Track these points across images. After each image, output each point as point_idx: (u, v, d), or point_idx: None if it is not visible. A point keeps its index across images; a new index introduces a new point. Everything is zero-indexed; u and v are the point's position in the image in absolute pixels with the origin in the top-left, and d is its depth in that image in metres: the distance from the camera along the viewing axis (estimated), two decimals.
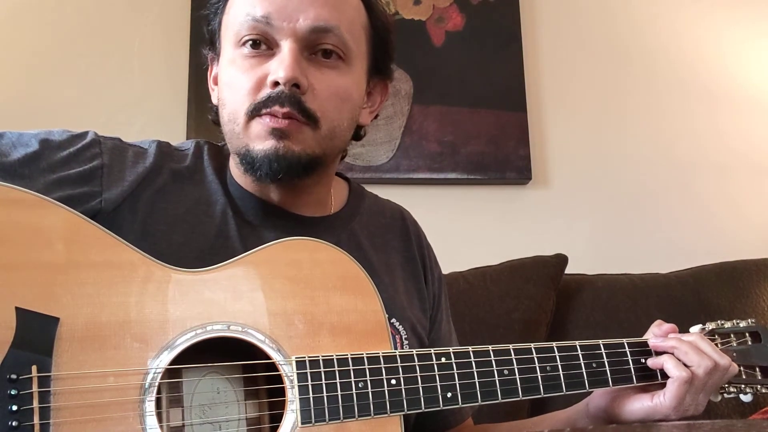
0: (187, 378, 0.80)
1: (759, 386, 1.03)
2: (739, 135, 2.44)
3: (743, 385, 1.02)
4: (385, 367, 0.82)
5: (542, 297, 1.82)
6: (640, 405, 0.97)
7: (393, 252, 1.11)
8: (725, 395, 1.02)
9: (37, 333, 0.70)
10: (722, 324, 1.08)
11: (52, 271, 0.73)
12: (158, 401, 0.75)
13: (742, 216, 2.39)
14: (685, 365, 0.96)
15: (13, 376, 0.68)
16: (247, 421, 0.82)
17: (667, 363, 0.96)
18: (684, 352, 0.97)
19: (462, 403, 0.85)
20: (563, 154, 2.36)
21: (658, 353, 0.99)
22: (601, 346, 0.97)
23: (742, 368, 1.03)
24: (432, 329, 1.14)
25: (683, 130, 2.43)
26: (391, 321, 1.02)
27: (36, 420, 0.67)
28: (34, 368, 0.69)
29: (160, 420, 0.74)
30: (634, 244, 2.31)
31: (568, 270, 1.89)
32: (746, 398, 1.02)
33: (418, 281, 1.13)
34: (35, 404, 0.68)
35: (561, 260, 1.88)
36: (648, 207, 2.36)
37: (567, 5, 2.46)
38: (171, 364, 0.76)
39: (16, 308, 0.70)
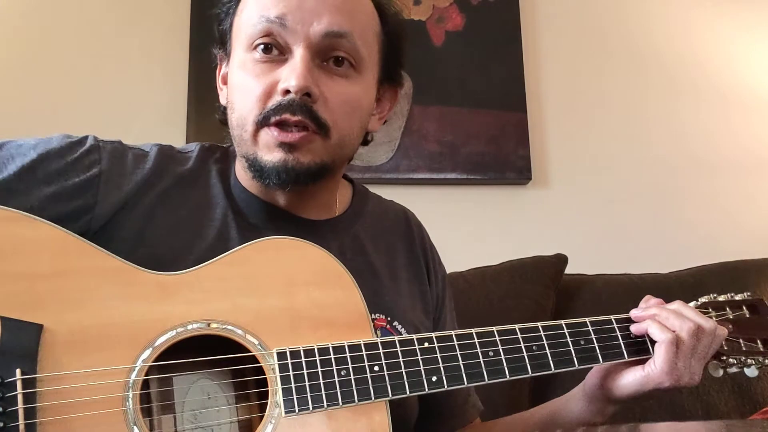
0: (178, 385, 0.81)
1: (761, 358, 1.00)
2: (740, 135, 2.44)
3: (744, 357, 1.00)
4: (366, 354, 0.83)
5: (542, 297, 1.82)
6: (633, 376, 0.95)
7: (396, 254, 1.11)
8: (727, 369, 1.00)
9: (21, 339, 0.72)
10: (715, 297, 1.06)
11: (36, 281, 0.76)
12: (149, 408, 0.77)
13: (741, 216, 2.38)
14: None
15: None
16: (239, 423, 0.82)
17: (650, 327, 0.95)
18: (664, 317, 0.95)
19: (448, 386, 0.85)
20: (563, 154, 2.36)
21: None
22: (588, 323, 0.95)
23: (741, 340, 1.01)
24: (435, 330, 1.13)
25: (683, 130, 2.43)
26: (393, 324, 1.02)
27: (21, 420, 0.69)
28: (18, 371, 0.70)
29: (151, 427, 0.76)
30: (634, 244, 2.31)
31: (568, 270, 1.88)
32: (751, 372, 0.99)
33: (422, 283, 1.13)
34: (20, 405, 0.69)
35: (561, 260, 1.88)
36: (648, 207, 2.36)
37: (567, 5, 2.46)
38: (155, 362, 0.77)
39: (1, 317, 0.72)
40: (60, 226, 0.80)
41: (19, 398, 0.69)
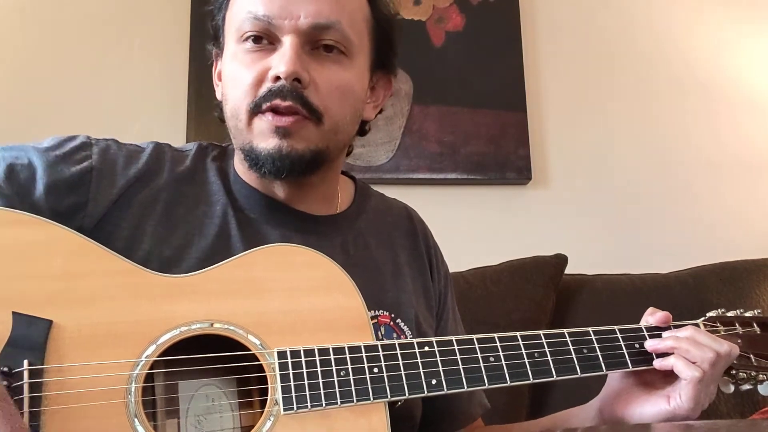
0: (182, 391, 0.82)
1: None
2: (738, 134, 2.44)
3: (755, 373, 0.98)
4: (366, 356, 0.84)
5: (542, 297, 1.82)
6: (656, 410, 0.94)
7: (399, 250, 1.11)
8: (739, 386, 0.99)
9: (31, 333, 0.75)
10: (723, 312, 1.05)
11: (48, 281, 0.78)
12: (153, 413, 0.79)
13: (742, 216, 2.38)
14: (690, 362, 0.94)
15: (5, 369, 0.71)
16: (242, 426, 0.84)
17: (677, 365, 0.93)
18: (685, 350, 0.94)
19: (447, 389, 0.86)
20: (563, 154, 2.36)
21: (659, 355, 0.96)
22: (591, 332, 0.95)
23: (752, 355, 0.99)
24: (438, 327, 1.14)
25: (683, 130, 2.43)
26: (397, 321, 1.03)
27: (26, 408, 0.71)
28: (25, 362, 0.72)
29: (155, 429, 0.78)
30: (634, 244, 2.31)
31: (568, 270, 1.88)
32: (764, 390, 0.98)
33: (425, 279, 1.13)
34: (25, 394, 0.71)
35: (561, 260, 1.88)
36: (648, 207, 2.36)
37: (567, 5, 2.46)
38: (158, 359, 0.78)
39: (13, 312, 0.74)
40: (70, 229, 0.82)
41: (25, 387, 0.71)
